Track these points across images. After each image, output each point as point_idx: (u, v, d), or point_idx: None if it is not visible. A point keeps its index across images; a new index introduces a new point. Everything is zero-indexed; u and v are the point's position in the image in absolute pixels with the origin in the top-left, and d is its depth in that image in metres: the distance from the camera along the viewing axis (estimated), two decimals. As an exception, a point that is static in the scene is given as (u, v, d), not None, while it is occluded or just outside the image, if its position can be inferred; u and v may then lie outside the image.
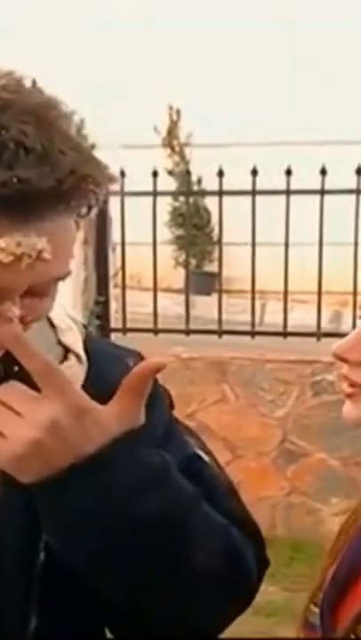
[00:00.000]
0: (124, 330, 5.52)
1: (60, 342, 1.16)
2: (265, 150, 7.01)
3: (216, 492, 1.19)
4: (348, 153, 5.71)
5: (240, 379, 5.21)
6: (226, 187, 5.34)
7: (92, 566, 1.04)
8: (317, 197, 5.20)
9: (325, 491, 5.02)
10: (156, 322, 5.47)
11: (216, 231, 6.80)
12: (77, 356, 1.16)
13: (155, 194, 5.46)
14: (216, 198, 5.48)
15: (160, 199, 5.68)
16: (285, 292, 5.38)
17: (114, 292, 5.72)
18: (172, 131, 9.40)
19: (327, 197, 5.21)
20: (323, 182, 5.17)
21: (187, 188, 6.99)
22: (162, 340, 5.47)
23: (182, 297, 5.70)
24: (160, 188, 5.51)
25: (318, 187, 5.20)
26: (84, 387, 1.12)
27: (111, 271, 5.67)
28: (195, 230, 7.96)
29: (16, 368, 1.03)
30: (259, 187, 5.26)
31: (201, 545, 1.08)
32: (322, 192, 5.21)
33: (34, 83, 1.01)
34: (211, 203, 7.40)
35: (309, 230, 5.09)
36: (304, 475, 5.17)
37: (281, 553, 4.90)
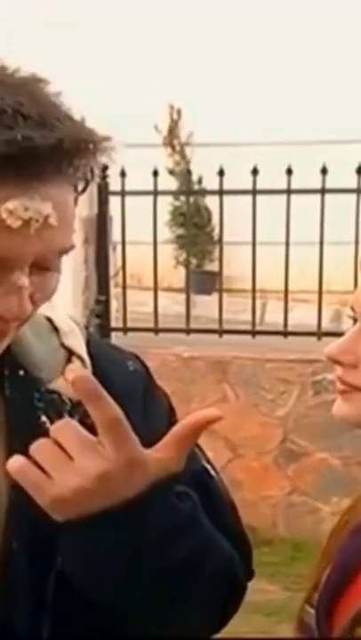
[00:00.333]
0: (125, 329, 5.52)
1: (63, 345, 1.16)
2: (266, 150, 7.01)
3: (220, 507, 1.20)
4: (349, 152, 5.70)
5: (241, 378, 5.21)
6: (226, 186, 5.34)
7: (107, 597, 1.05)
8: (318, 197, 5.20)
9: (326, 490, 5.02)
10: (156, 321, 5.47)
11: (217, 230, 6.80)
12: (82, 360, 1.15)
13: (155, 193, 5.46)
14: (217, 198, 5.48)
15: (161, 198, 5.69)
16: (286, 292, 5.38)
17: (114, 291, 5.72)
18: (173, 130, 9.40)
19: (328, 197, 5.21)
20: (323, 182, 5.17)
21: (187, 187, 6.98)
22: (162, 340, 5.47)
23: (183, 296, 5.70)
24: (161, 187, 5.52)
25: (319, 186, 5.20)
26: None
27: (112, 270, 5.67)
28: (195, 230, 7.96)
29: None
30: (259, 186, 5.26)
31: (211, 576, 1.12)
32: (323, 191, 5.21)
33: (55, 93, 1.01)
34: (211, 202, 7.40)
35: (310, 229, 5.09)
36: (305, 474, 5.17)
37: (282, 552, 4.90)
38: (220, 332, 5.39)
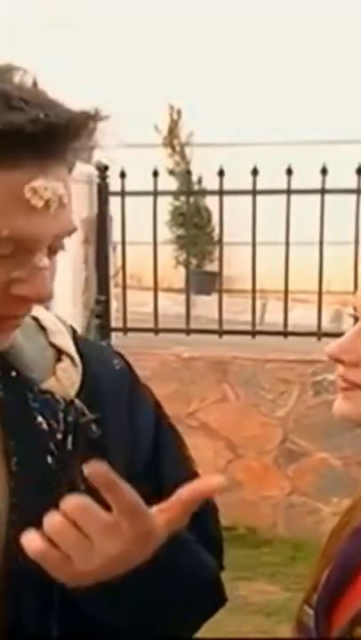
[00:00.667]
0: (125, 329, 5.52)
1: (51, 344, 1.16)
2: (266, 150, 7.01)
3: (205, 512, 1.21)
4: (349, 152, 5.70)
5: (241, 378, 5.21)
6: (226, 186, 5.34)
7: (110, 620, 1.09)
8: (318, 197, 5.20)
9: (326, 490, 5.02)
10: (156, 321, 5.46)
11: (217, 231, 6.80)
12: (71, 359, 1.15)
13: (155, 193, 5.46)
14: (217, 198, 5.48)
15: (161, 199, 5.69)
16: (286, 292, 5.38)
17: (114, 291, 5.72)
18: (173, 130, 9.39)
19: (328, 197, 5.21)
20: (323, 182, 5.17)
21: (187, 187, 6.98)
22: (162, 340, 5.47)
23: (183, 296, 5.70)
24: (161, 187, 5.51)
25: (319, 186, 5.20)
26: (81, 391, 1.12)
27: (112, 271, 5.67)
28: (195, 230, 7.96)
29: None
30: (259, 186, 5.26)
31: (198, 598, 1.19)
32: (322, 191, 5.21)
33: (34, 82, 1.02)
34: (211, 202, 7.39)
35: (310, 230, 5.09)
36: (305, 474, 5.16)
37: (282, 552, 4.90)
38: (221, 333, 5.39)
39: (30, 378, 1.12)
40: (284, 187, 5.22)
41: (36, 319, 1.15)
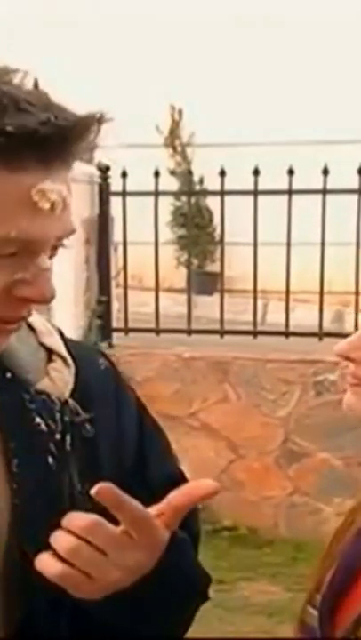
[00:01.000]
0: (126, 330, 5.52)
1: (42, 345, 1.16)
2: (267, 150, 7.00)
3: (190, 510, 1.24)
4: (351, 153, 5.70)
5: (242, 378, 5.21)
6: (228, 186, 5.34)
7: (115, 623, 1.11)
8: (319, 197, 5.21)
9: (328, 491, 5.02)
10: (157, 322, 5.47)
11: (218, 231, 6.79)
12: (63, 359, 1.16)
13: (157, 194, 5.46)
14: (218, 198, 5.48)
15: (162, 199, 5.69)
16: (287, 292, 5.38)
17: (116, 291, 5.72)
18: (174, 131, 9.38)
19: (329, 197, 5.21)
20: (325, 182, 5.17)
21: (189, 187, 6.98)
22: (164, 340, 5.47)
23: (184, 297, 5.70)
24: (162, 187, 5.52)
25: (320, 187, 5.20)
26: (74, 391, 1.13)
27: (113, 271, 5.68)
28: (197, 230, 7.95)
29: None
30: (261, 186, 5.26)
31: (191, 596, 1.22)
32: (324, 192, 5.21)
33: (35, 82, 1.02)
34: (213, 202, 7.40)
35: (311, 230, 5.09)
36: (306, 475, 5.16)
37: (283, 553, 4.90)
38: (222, 333, 5.39)
39: (26, 379, 1.12)
40: (286, 187, 5.22)
41: (26, 322, 1.16)
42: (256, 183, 5.25)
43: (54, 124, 0.96)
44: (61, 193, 0.99)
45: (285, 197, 5.22)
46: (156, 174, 5.41)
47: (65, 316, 4.75)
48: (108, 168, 5.44)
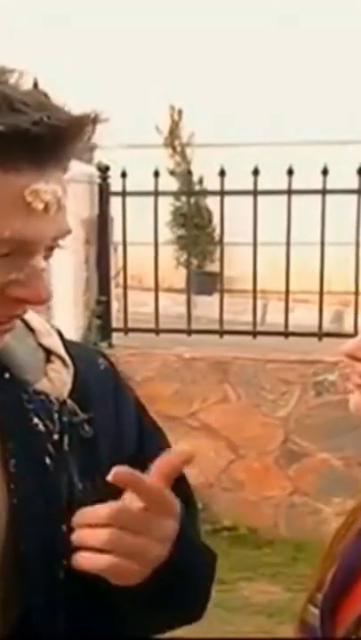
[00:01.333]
0: (126, 330, 5.52)
1: (41, 345, 1.16)
2: (266, 150, 7.00)
3: (192, 506, 1.26)
4: (350, 153, 5.70)
5: (242, 379, 5.21)
6: (227, 187, 5.34)
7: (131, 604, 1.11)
8: (319, 197, 5.21)
9: (328, 491, 5.02)
10: (157, 322, 5.47)
11: (218, 231, 6.79)
12: (62, 359, 1.16)
13: (156, 194, 5.46)
14: (217, 198, 5.48)
15: (162, 199, 5.69)
16: (287, 292, 5.38)
17: (115, 291, 5.72)
18: (174, 131, 9.39)
19: (329, 197, 5.21)
20: (324, 182, 5.17)
21: (188, 187, 6.98)
22: (163, 340, 5.47)
23: (184, 297, 5.71)
24: (161, 188, 5.52)
25: (320, 187, 5.20)
26: (72, 391, 1.13)
27: (113, 271, 5.67)
28: (196, 230, 7.94)
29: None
30: (260, 187, 5.26)
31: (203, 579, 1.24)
32: (323, 192, 5.21)
33: (35, 83, 1.02)
34: (212, 203, 7.40)
35: (311, 230, 5.09)
36: (306, 475, 5.16)
37: (283, 553, 4.90)
38: (221, 333, 5.39)
39: (24, 379, 1.12)
40: (285, 187, 5.22)
41: (24, 320, 1.16)
42: (256, 183, 5.25)
43: (47, 123, 0.96)
44: (56, 193, 0.99)
45: (285, 197, 5.22)
46: (156, 174, 5.41)
47: (64, 316, 4.75)
48: (107, 168, 5.44)
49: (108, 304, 5.54)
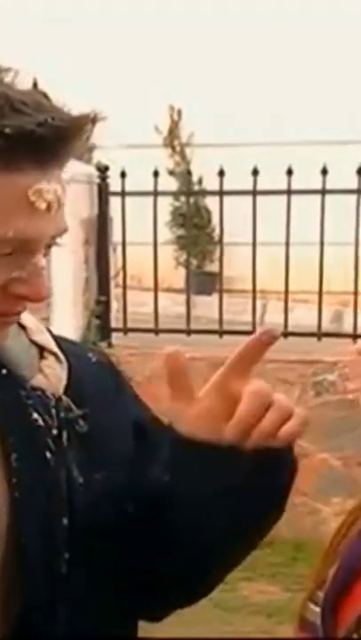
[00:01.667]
0: (125, 330, 5.52)
1: (33, 342, 1.17)
2: (266, 150, 7.01)
3: None
4: (350, 153, 5.71)
5: (241, 379, 5.20)
6: (227, 187, 5.34)
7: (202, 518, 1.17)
8: (318, 197, 5.20)
9: (327, 491, 5.02)
10: (156, 322, 5.46)
11: (217, 231, 6.80)
12: (55, 356, 1.17)
13: (156, 194, 5.46)
14: (217, 198, 5.48)
15: (161, 199, 5.69)
16: (286, 292, 5.38)
17: (115, 291, 5.72)
18: (173, 131, 9.40)
19: (328, 197, 5.21)
20: (324, 182, 5.17)
21: (187, 187, 6.99)
22: (163, 340, 5.46)
23: (183, 297, 5.70)
24: (161, 188, 5.51)
25: (319, 187, 5.20)
26: (68, 388, 1.14)
27: (112, 271, 5.67)
28: (195, 230, 7.95)
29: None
30: (260, 187, 5.26)
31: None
32: (323, 192, 5.21)
33: (35, 82, 1.02)
34: (212, 203, 7.40)
35: (310, 230, 5.09)
36: (306, 475, 5.16)
37: (283, 553, 4.90)
38: (221, 333, 5.39)
39: (21, 375, 1.13)
40: (285, 187, 5.22)
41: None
42: (255, 183, 5.25)
43: (51, 125, 0.97)
44: (57, 192, 1.01)
45: (284, 197, 5.22)
46: (155, 174, 5.41)
47: (64, 315, 4.75)
48: (107, 168, 5.44)
49: (107, 304, 5.54)
